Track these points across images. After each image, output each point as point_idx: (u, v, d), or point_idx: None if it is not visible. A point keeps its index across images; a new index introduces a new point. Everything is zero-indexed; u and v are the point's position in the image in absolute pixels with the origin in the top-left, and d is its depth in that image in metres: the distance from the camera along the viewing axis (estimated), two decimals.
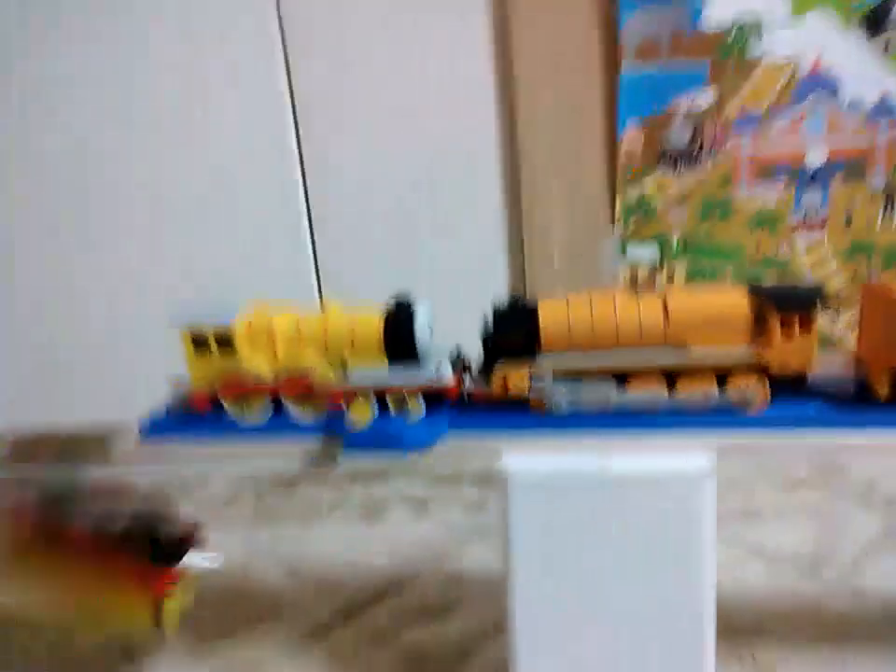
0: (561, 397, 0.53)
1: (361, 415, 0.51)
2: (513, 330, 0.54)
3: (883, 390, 0.51)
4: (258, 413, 0.59)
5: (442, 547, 0.86)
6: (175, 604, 0.58)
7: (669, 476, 0.45)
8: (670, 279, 1.02)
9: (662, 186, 1.00)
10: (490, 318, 0.55)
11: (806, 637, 0.65)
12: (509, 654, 0.50)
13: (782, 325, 0.50)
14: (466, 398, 0.57)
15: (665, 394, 0.53)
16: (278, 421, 0.58)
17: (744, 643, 0.64)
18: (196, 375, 0.59)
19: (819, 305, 0.50)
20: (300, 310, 0.60)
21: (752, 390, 0.51)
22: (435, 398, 0.56)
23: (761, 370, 0.51)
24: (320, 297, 1.10)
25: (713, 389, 0.52)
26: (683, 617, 0.47)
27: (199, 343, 0.58)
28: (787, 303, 0.50)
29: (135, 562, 0.56)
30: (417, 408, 0.55)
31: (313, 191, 1.06)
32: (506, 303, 0.55)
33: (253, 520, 0.98)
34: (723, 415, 0.52)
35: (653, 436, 0.52)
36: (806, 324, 0.50)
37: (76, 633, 0.59)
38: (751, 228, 1.00)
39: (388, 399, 0.56)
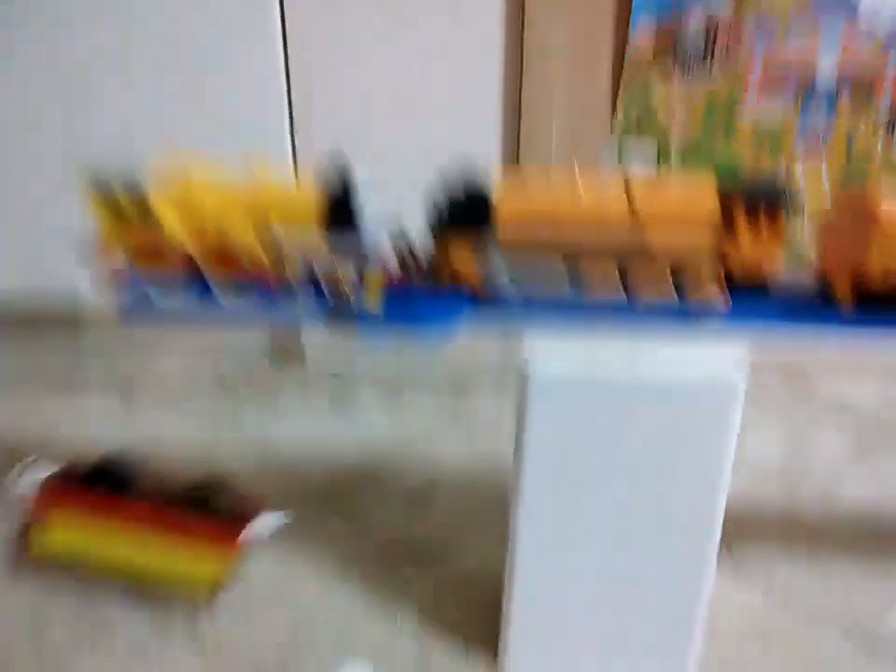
0: (509, 281, 0.50)
1: (374, 293, 0.47)
2: (464, 203, 0.49)
3: (845, 300, 0.49)
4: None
5: (416, 434, 0.85)
6: (240, 564, 0.59)
7: (701, 384, 0.43)
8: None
9: (667, 89, 0.95)
10: (440, 187, 0.50)
11: (783, 538, 0.67)
12: (508, 558, 0.49)
13: (749, 222, 0.47)
14: (406, 277, 0.53)
15: (621, 288, 0.50)
16: (270, 299, 0.52)
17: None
18: (108, 243, 0.52)
19: (787, 203, 0.47)
20: (225, 170, 0.52)
21: (712, 290, 0.49)
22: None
23: (723, 269, 0.49)
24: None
25: (671, 286, 0.49)
26: (692, 530, 0.46)
27: (110, 205, 0.51)
28: (755, 199, 0.47)
29: (202, 525, 0.57)
30: (376, 281, 0.51)
31: None
32: (459, 174, 0.50)
33: (215, 398, 0.94)
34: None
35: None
36: (774, 222, 0.47)
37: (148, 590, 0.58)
38: (754, 144, 0.97)
39: (322, 277, 0.51)
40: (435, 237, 0.51)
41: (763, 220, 0.47)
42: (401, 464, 0.80)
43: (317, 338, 1.07)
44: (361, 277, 0.51)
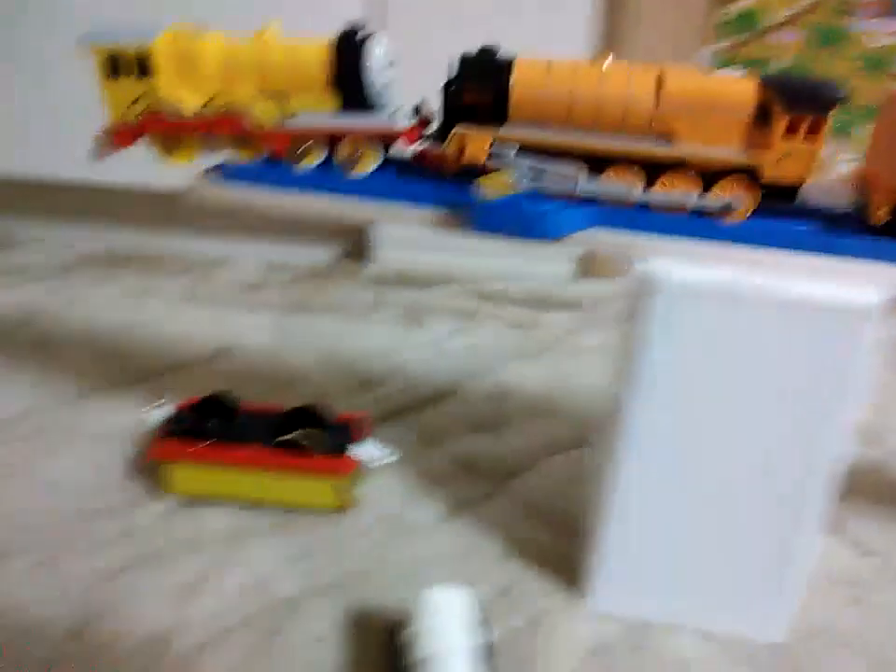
0: (523, 173, 0.45)
1: (495, 187, 0.43)
2: (480, 85, 0.44)
3: (880, 214, 0.43)
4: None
5: (487, 361, 0.84)
6: (354, 485, 0.59)
7: (838, 307, 0.40)
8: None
9: (772, 2, 0.88)
10: (456, 69, 0.45)
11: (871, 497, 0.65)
12: (604, 482, 0.48)
13: (789, 125, 0.41)
14: (416, 159, 0.49)
15: (640, 189, 0.45)
16: (392, 180, 0.48)
17: None
18: (114, 107, 0.49)
19: (835, 107, 0.41)
20: (233, 36, 0.49)
21: (738, 197, 0.44)
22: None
23: (752, 176, 0.44)
24: None
25: (694, 191, 0.44)
26: (803, 468, 0.44)
27: (115, 66, 0.47)
28: (799, 100, 0.41)
29: (313, 453, 0.56)
30: (371, 157, 0.47)
31: None
32: (478, 53, 0.45)
33: (283, 308, 0.93)
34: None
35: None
36: (816, 128, 0.41)
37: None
38: (864, 68, 0.90)
39: (343, 148, 0.47)
40: (447, 113, 0.46)
41: (803, 125, 0.41)
42: (475, 381, 0.79)
43: (387, 244, 1.05)
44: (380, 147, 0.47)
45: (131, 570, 0.52)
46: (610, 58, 0.44)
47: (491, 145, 0.45)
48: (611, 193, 0.44)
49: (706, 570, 0.49)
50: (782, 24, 0.89)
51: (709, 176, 0.44)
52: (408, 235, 1.04)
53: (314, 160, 0.48)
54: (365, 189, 0.46)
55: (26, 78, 0.98)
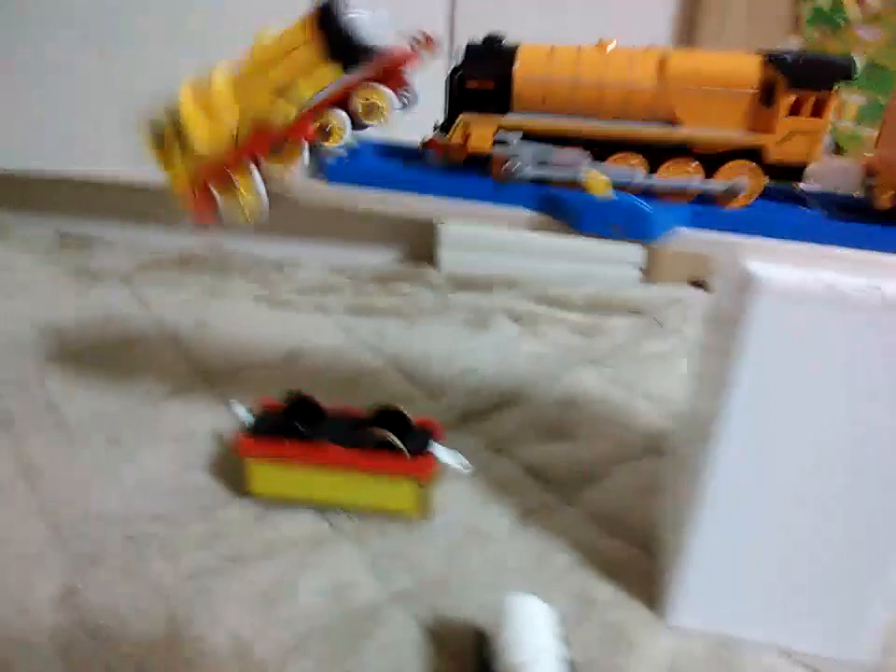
0: (527, 161, 0.44)
1: (597, 187, 0.43)
2: (484, 72, 0.44)
3: (884, 199, 0.42)
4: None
5: (552, 366, 0.83)
6: (433, 488, 0.59)
7: None
8: (838, 110, 0.90)
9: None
10: (461, 56, 0.45)
11: None
12: (691, 495, 0.47)
13: (795, 102, 0.40)
14: (424, 146, 0.49)
15: (643, 174, 0.44)
16: (489, 185, 0.47)
17: None
18: (173, 178, 0.50)
19: (840, 84, 0.40)
20: (230, 64, 0.49)
21: (742, 180, 0.43)
22: None
23: (757, 158, 0.42)
24: None
25: (698, 176, 0.43)
26: None
27: (159, 139, 0.49)
28: (802, 77, 0.40)
29: (392, 455, 0.57)
30: (385, 102, 0.46)
31: None
32: (483, 41, 0.45)
33: (350, 311, 0.94)
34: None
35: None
36: (821, 106, 0.40)
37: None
38: None
39: (354, 105, 0.46)
40: (452, 101, 0.46)
41: (808, 103, 0.40)
42: (541, 387, 0.79)
43: (451, 247, 1.06)
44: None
45: (214, 574, 0.53)
46: (614, 42, 0.44)
47: (496, 132, 0.45)
48: (615, 178, 0.44)
49: (792, 587, 0.48)
50: (865, 21, 0.87)
51: (714, 160, 0.44)
52: (472, 238, 1.05)
53: (340, 134, 0.47)
54: (462, 190, 0.46)
55: (95, 78, 1.01)
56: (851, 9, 0.86)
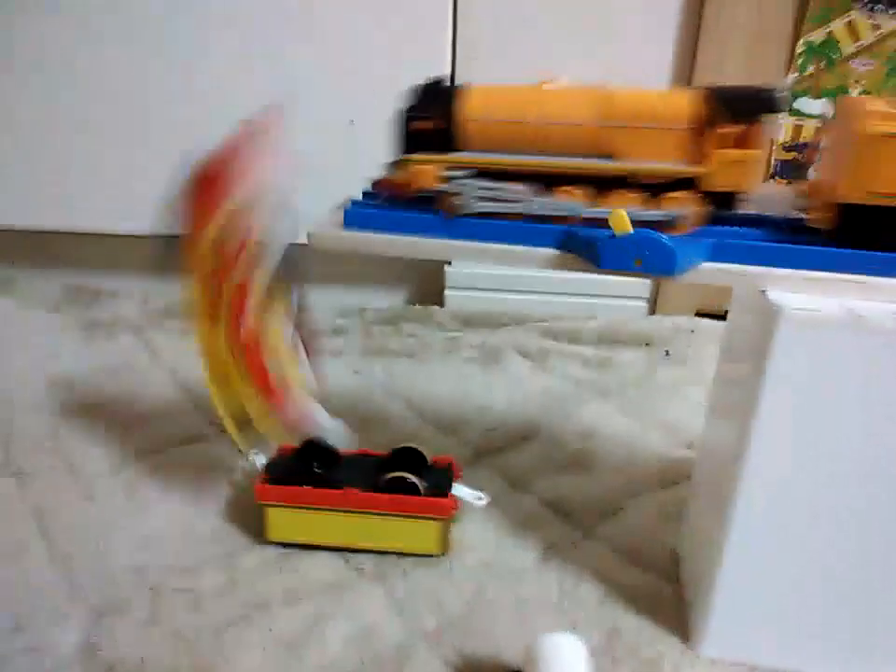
0: (475, 196, 0.46)
1: (620, 224, 0.44)
2: (429, 113, 0.46)
3: (822, 222, 0.43)
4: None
5: (565, 401, 0.83)
6: (453, 526, 0.59)
7: None
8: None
9: (853, 30, 0.87)
10: (408, 98, 0.47)
11: None
12: (718, 528, 0.47)
13: (725, 134, 0.42)
14: (375, 186, 0.51)
15: (589, 205, 0.45)
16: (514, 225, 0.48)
17: None
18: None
19: (770, 113, 0.42)
20: None
21: (683, 209, 0.44)
22: None
23: (695, 187, 0.44)
24: None
25: (639, 205, 0.45)
26: None
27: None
28: (731, 109, 0.42)
29: (410, 495, 0.57)
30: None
31: None
32: (426, 84, 0.47)
33: (360, 352, 0.95)
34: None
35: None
36: (751, 136, 0.42)
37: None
38: None
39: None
40: (400, 141, 0.47)
41: (740, 133, 0.42)
42: (555, 421, 0.78)
43: (458, 286, 1.06)
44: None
45: (237, 623, 0.52)
46: (556, 80, 0.46)
47: (443, 170, 0.47)
48: (561, 211, 0.46)
49: (824, 614, 0.47)
50: (858, 53, 0.88)
51: (657, 190, 0.45)
52: (479, 277, 1.05)
53: None
54: (478, 231, 0.47)
55: (106, 137, 1.02)
56: (844, 43, 0.88)
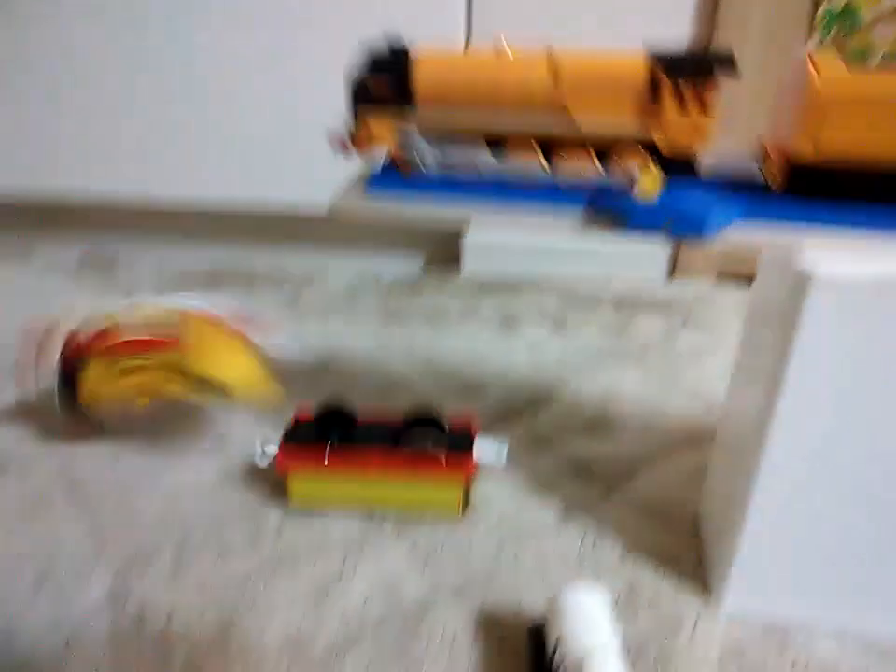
0: (430, 156, 0.47)
1: (650, 186, 0.44)
2: (384, 74, 0.46)
3: (776, 178, 0.43)
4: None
5: (584, 365, 0.83)
6: (473, 486, 0.59)
7: None
8: None
9: None
10: (362, 59, 0.47)
11: None
12: (741, 486, 0.46)
13: (678, 95, 0.42)
14: (331, 143, 0.50)
15: (545, 165, 0.46)
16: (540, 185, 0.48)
17: None
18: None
19: (721, 74, 0.42)
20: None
21: (638, 169, 0.44)
22: None
23: (650, 148, 0.44)
24: None
25: (596, 166, 0.45)
26: None
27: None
28: (682, 68, 0.42)
29: (430, 457, 0.57)
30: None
31: None
32: (381, 44, 0.47)
33: (380, 318, 0.95)
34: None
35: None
36: (704, 96, 0.42)
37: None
38: None
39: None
40: (355, 99, 0.48)
41: (692, 94, 0.42)
42: (574, 385, 0.78)
43: (476, 247, 1.06)
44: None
45: (261, 575, 0.53)
46: (506, 43, 0.46)
47: (398, 130, 0.47)
48: (515, 170, 0.46)
49: (846, 569, 0.47)
50: (881, 18, 0.87)
51: (611, 152, 0.45)
52: (497, 242, 1.05)
53: None
54: (502, 193, 0.47)
55: (127, 103, 1.02)
56: (864, 10, 0.86)
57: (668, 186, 0.44)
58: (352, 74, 0.47)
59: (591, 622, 0.43)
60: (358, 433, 0.59)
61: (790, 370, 0.41)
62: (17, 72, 1.01)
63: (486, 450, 0.59)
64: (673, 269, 1.04)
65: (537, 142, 0.46)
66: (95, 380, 0.63)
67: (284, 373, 0.80)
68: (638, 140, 0.44)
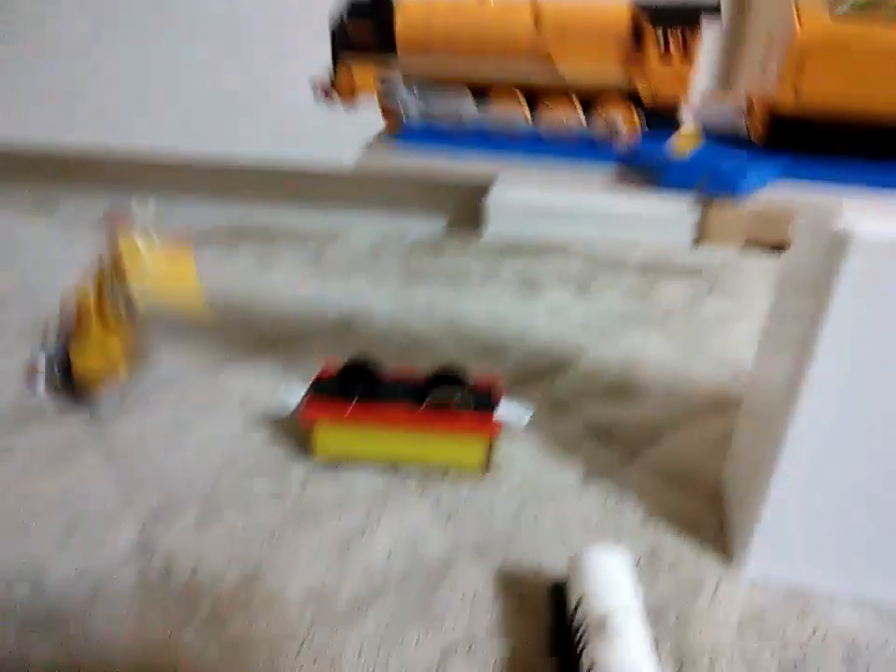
0: (413, 105, 0.46)
1: (686, 144, 0.43)
2: (365, 20, 0.45)
3: (758, 130, 0.42)
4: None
5: (607, 329, 0.82)
6: (497, 446, 0.59)
7: None
8: None
9: None
10: (343, 2, 0.46)
11: None
12: (774, 441, 0.46)
13: (661, 44, 0.42)
14: (314, 89, 0.50)
15: (527, 114, 0.45)
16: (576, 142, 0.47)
17: None
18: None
19: (704, 22, 0.41)
20: None
21: (621, 119, 0.44)
22: None
23: (633, 98, 0.44)
24: None
25: (579, 115, 0.44)
26: None
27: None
28: (665, 15, 0.41)
29: (454, 414, 0.57)
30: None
31: None
32: None
33: (402, 277, 0.94)
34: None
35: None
36: (687, 45, 0.41)
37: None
38: None
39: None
40: (335, 45, 0.47)
41: (675, 42, 0.42)
42: (597, 349, 0.78)
43: (500, 213, 1.05)
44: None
45: (286, 528, 0.54)
46: None
47: (380, 78, 0.46)
48: (498, 119, 0.46)
49: (873, 540, 0.47)
50: None
51: (593, 102, 0.45)
52: (520, 204, 1.04)
53: None
54: (533, 148, 0.46)
55: (159, 59, 1.01)
56: None
57: (704, 144, 0.43)
58: (333, 18, 0.46)
59: (613, 582, 0.43)
60: (384, 389, 0.60)
61: (822, 336, 0.41)
62: (44, 29, 1.00)
63: (510, 411, 0.59)
64: (700, 235, 1.03)
65: (521, 91, 0.46)
66: (82, 355, 0.65)
67: (307, 328, 0.81)
68: (622, 90, 0.44)
